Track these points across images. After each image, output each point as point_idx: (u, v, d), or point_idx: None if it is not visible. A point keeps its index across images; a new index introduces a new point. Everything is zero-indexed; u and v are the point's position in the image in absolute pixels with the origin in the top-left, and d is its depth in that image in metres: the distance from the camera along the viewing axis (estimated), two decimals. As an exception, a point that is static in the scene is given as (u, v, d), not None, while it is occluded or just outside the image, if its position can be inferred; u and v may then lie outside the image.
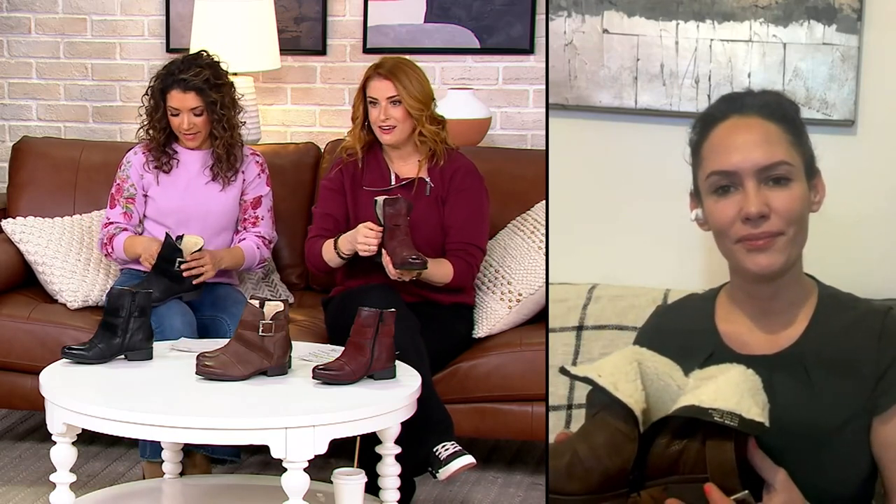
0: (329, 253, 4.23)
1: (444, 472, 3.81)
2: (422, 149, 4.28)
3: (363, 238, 4.09)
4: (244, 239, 4.46)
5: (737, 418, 2.61)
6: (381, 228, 4.08)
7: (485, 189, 4.36)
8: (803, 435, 2.73)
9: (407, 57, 4.36)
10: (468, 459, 3.82)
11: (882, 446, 2.71)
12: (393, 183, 4.29)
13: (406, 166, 4.32)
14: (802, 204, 2.77)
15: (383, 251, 4.07)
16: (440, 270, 4.19)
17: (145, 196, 4.44)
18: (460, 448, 3.84)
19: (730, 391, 2.66)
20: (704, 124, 2.86)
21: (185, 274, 4.25)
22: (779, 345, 2.81)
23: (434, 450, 3.82)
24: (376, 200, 4.10)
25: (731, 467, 2.63)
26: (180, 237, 4.28)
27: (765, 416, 2.66)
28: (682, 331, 2.92)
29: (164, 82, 4.36)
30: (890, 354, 2.72)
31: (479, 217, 4.32)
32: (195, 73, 4.33)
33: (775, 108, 2.81)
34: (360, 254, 4.12)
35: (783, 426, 2.73)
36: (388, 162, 4.32)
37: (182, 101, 4.34)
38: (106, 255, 4.47)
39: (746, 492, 2.64)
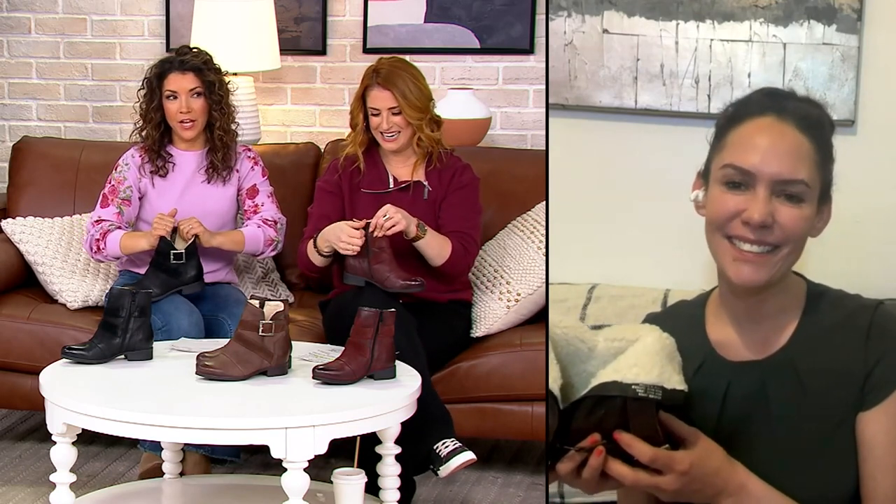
0: (311, 252, 4.22)
1: (446, 469, 3.80)
2: (419, 151, 4.29)
3: (347, 238, 4.07)
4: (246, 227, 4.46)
5: (660, 391, 2.61)
6: (362, 226, 4.07)
7: (478, 188, 4.34)
8: (799, 438, 2.72)
9: (405, 57, 4.36)
10: (469, 455, 3.81)
11: (862, 442, 2.70)
12: (391, 186, 4.28)
13: (404, 169, 4.32)
14: (806, 225, 2.72)
15: (373, 277, 4.05)
16: (437, 241, 4.17)
17: (141, 198, 4.43)
18: (461, 444, 3.83)
19: (649, 361, 2.64)
20: (739, 111, 2.78)
21: (184, 232, 4.24)
22: (769, 349, 2.79)
23: (434, 447, 3.82)
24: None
25: (653, 429, 2.62)
26: (173, 231, 4.28)
27: (683, 381, 2.66)
28: None
29: (162, 68, 4.36)
30: (878, 351, 2.71)
31: (474, 211, 4.32)
32: (193, 55, 4.37)
33: (814, 123, 2.75)
34: (341, 251, 4.09)
35: (777, 431, 2.72)
36: (387, 164, 4.33)
37: (181, 82, 4.33)
38: (95, 252, 4.36)
39: (667, 445, 2.64)
